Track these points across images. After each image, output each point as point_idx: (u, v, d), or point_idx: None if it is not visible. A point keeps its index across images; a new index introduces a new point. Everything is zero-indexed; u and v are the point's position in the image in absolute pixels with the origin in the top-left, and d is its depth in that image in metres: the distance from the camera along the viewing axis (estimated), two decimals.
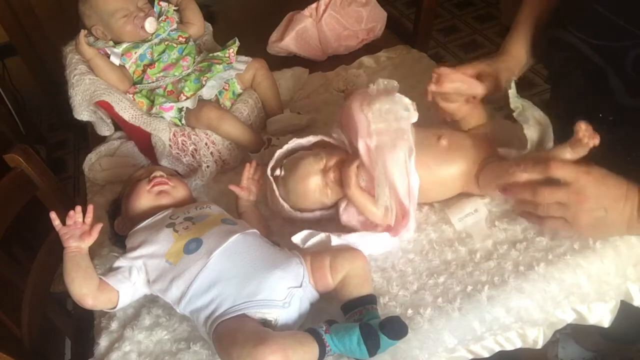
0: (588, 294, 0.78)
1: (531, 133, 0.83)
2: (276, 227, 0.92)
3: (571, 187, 0.69)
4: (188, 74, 1.09)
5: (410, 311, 0.75)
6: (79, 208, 0.77)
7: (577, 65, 0.86)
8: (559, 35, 0.86)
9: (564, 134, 0.78)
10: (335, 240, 0.80)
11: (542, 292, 0.76)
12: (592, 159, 0.74)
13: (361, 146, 0.82)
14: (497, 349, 0.78)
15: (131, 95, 1.08)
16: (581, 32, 0.83)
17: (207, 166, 1.05)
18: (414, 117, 0.83)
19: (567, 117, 0.77)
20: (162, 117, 1.06)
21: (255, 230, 0.82)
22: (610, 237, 0.78)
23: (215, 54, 1.12)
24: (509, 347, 0.79)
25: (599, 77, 0.82)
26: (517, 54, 0.97)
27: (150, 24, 1.08)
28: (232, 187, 0.90)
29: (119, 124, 1.12)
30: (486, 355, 0.78)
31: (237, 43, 1.13)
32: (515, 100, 0.86)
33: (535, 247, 0.80)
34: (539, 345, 0.80)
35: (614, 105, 0.81)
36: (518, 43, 0.97)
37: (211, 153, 1.05)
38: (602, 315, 0.82)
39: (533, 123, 0.84)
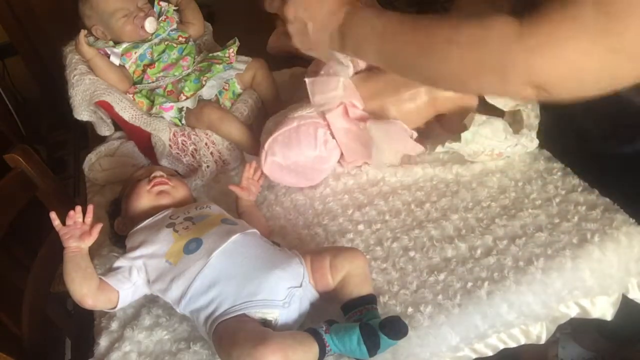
0: (592, 288, 0.78)
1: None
2: (276, 227, 0.92)
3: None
4: (188, 74, 1.09)
5: (410, 309, 0.75)
6: (79, 208, 0.77)
7: None
8: None
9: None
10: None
11: (544, 286, 0.76)
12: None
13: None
14: (501, 346, 0.78)
15: (131, 95, 1.08)
16: None
17: (207, 166, 1.05)
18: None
19: None
20: (162, 117, 1.06)
21: (255, 230, 0.82)
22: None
23: (215, 54, 1.12)
24: (513, 344, 0.79)
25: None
26: None
27: (150, 24, 1.08)
28: (232, 187, 0.90)
29: (119, 124, 1.12)
30: (490, 353, 0.78)
31: (237, 43, 1.13)
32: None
33: (535, 243, 0.80)
34: (542, 341, 0.80)
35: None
36: None
37: (211, 153, 1.05)
38: (605, 309, 0.82)
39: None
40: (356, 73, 0.95)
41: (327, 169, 0.97)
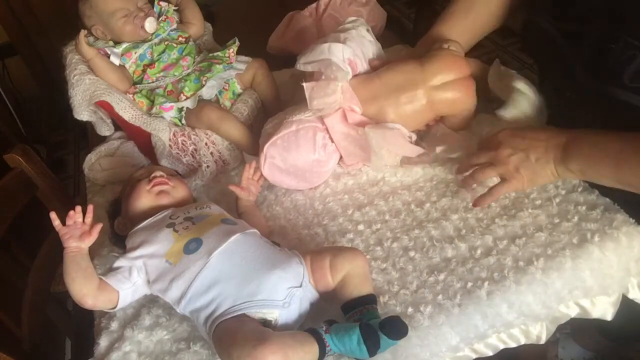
0: (591, 288, 0.78)
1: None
2: (276, 227, 0.92)
3: (490, 146, 0.84)
4: (188, 74, 1.09)
5: (410, 309, 0.75)
6: (79, 208, 0.77)
7: (546, 47, 0.91)
8: (531, 18, 0.91)
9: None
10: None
11: (544, 286, 0.76)
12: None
13: None
14: (501, 346, 0.78)
15: (131, 95, 1.08)
16: (549, 15, 0.88)
17: (207, 166, 1.05)
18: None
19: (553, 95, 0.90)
20: (162, 117, 1.06)
21: (255, 230, 0.82)
22: (544, 184, 0.86)
23: (215, 54, 1.12)
24: (513, 344, 0.79)
25: (566, 59, 0.86)
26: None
27: (150, 24, 1.08)
28: (232, 187, 0.90)
29: (119, 124, 1.12)
30: (490, 353, 0.78)
31: (237, 43, 1.13)
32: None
33: (535, 243, 0.80)
34: (542, 341, 0.80)
35: (576, 85, 0.86)
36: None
37: (211, 153, 1.05)
38: (605, 309, 0.82)
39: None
40: (354, 76, 0.95)
41: (327, 172, 0.97)
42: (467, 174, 0.88)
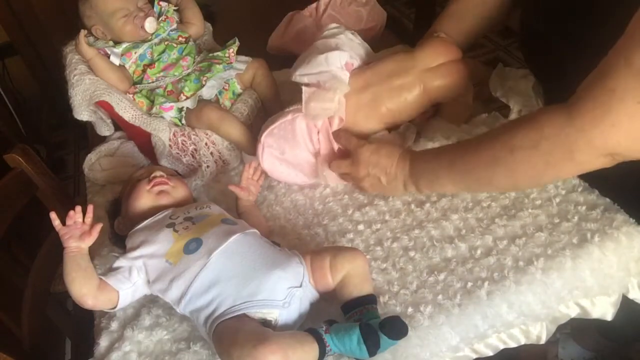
0: (591, 288, 0.78)
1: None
2: (276, 227, 0.92)
3: (352, 157, 0.90)
4: (188, 74, 1.09)
5: (410, 309, 0.75)
6: (78, 208, 0.77)
7: (543, 48, 0.91)
8: (528, 20, 0.92)
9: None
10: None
11: (544, 286, 0.76)
12: None
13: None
14: (501, 346, 0.78)
15: (131, 95, 1.08)
16: (546, 16, 0.88)
17: (207, 166, 1.05)
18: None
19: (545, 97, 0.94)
20: (162, 117, 1.06)
21: (255, 230, 0.82)
22: (396, 195, 0.92)
23: (215, 54, 1.12)
24: (513, 344, 0.79)
25: (562, 61, 0.87)
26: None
27: (150, 24, 1.08)
28: (232, 187, 0.90)
29: (119, 124, 1.12)
30: (490, 353, 0.78)
31: (237, 43, 1.13)
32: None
33: (535, 243, 0.80)
34: (542, 341, 0.80)
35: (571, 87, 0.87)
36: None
37: (211, 153, 1.05)
38: (605, 309, 0.82)
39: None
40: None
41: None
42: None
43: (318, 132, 0.93)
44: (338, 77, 0.91)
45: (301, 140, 0.94)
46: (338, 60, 0.93)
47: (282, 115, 0.94)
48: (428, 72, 0.92)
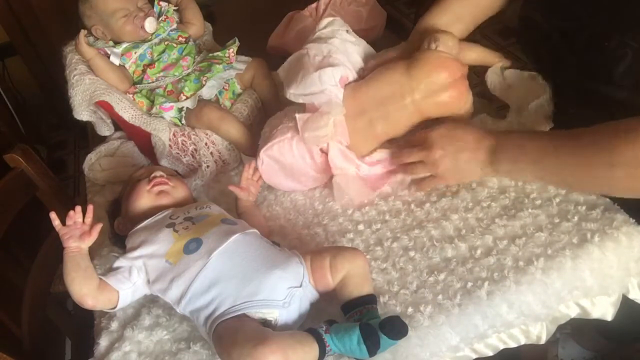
0: (591, 288, 0.78)
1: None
2: (276, 227, 0.92)
3: (423, 145, 0.85)
4: (188, 74, 1.09)
5: (410, 309, 0.75)
6: (78, 208, 0.77)
7: (541, 42, 0.90)
8: (527, 13, 0.91)
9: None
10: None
11: (544, 286, 0.76)
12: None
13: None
14: (501, 346, 0.78)
15: (131, 95, 1.08)
16: (545, 10, 0.87)
17: (207, 166, 1.05)
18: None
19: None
20: (162, 117, 1.06)
21: (255, 230, 0.82)
22: (469, 180, 0.89)
23: (215, 53, 1.12)
24: (513, 344, 0.79)
25: (559, 55, 0.86)
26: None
27: (150, 24, 1.09)
28: (232, 188, 0.90)
29: (119, 124, 1.12)
30: (490, 353, 0.78)
31: (237, 43, 1.13)
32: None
33: (535, 243, 0.80)
34: (542, 341, 0.80)
35: (571, 83, 0.87)
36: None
37: (211, 153, 1.05)
38: (605, 309, 0.82)
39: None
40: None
41: (323, 178, 0.96)
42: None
43: (321, 151, 0.91)
44: (332, 99, 0.89)
45: (301, 160, 0.92)
46: (332, 77, 0.90)
47: (282, 132, 0.91)
48: (425, 98, 0.88)
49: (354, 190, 0.91)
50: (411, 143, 0.89)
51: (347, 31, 0.99)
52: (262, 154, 0.92)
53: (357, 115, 0.91)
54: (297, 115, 0.89)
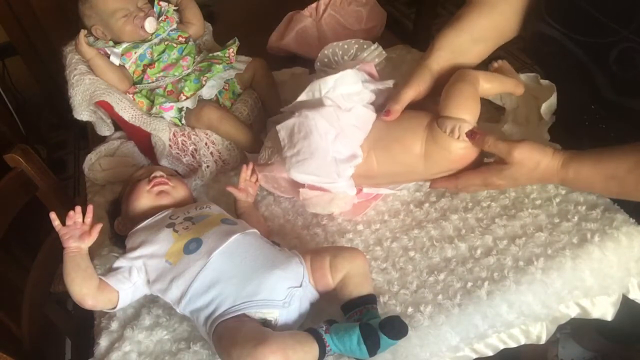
0: (591, 288, 0.78)
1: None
2: (275, 227, 0.92)
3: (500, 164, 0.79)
4: (188, 74, 1.09)
5: (410, 309, 0.75)
6: (78, 208, 0.77)
7: (562, 60, 0.87)
8: (543, 30, 0.87)
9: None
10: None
11: (544, 286, 0.76)
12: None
13: None
14: (501, 346, 0.78)
15: (131, 95, 1.08)
16: (565, 27, 0.84)
17: (207, 166, 1.05)
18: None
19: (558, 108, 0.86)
20: (162, 117, 1.06)
21: (255, 230, 0.82)
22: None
23: (215, 53, 1.12)
24: (513, 344, 0.79)
25: (584, 73, 0.83)
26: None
27: (150, 24, 1.08)
28: (230, 189, 0.90)
29: (119, 124, 1.12)
30: (490, 353, 0.78)
31: (237, 43, 1.13)
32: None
33: (535, 243, 0.80)
34: (543, 341, 0.80)
35: (601, 99, 0.83)
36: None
37: (211, 153, 1.05)
38: (605, 309, 0.82)
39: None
40: None
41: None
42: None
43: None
44: (344, 191, 0.86)
45: (292, 190, 0.91)
46: (350, 168, 0.85)
47: (276, 166, 0.89)
48: (433, 175, 0.86)
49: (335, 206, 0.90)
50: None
51: (361, 79, 0.90)
52: (257, 174, 0.93)
53: (366, 179, 0.88)
54: (301, 190, 0.86)
